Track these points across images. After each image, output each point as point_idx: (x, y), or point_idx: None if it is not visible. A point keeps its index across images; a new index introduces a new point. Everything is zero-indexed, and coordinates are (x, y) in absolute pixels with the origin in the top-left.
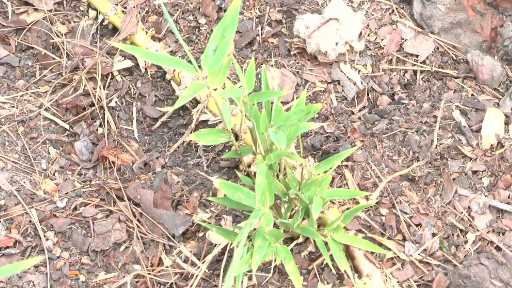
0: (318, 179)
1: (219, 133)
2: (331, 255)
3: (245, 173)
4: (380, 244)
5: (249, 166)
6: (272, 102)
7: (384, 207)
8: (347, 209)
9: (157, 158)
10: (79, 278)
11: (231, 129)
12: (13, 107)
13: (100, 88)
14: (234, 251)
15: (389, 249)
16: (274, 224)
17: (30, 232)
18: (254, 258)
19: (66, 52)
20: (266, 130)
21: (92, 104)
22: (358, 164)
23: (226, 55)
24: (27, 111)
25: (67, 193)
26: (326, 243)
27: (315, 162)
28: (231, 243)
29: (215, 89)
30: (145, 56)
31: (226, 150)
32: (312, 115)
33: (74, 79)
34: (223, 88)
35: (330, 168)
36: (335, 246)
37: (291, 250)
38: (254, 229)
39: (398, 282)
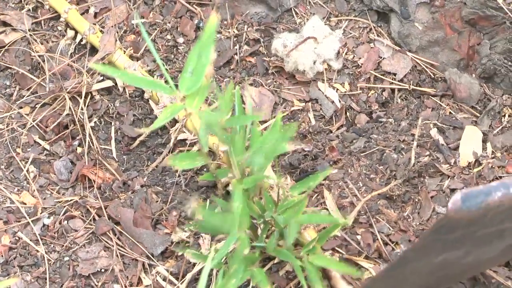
0: (294, 201)
1: (195, 156)
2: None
3: (224, 192)
4: (357, 264)
5: (226, 186)
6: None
7: (361, 227)
8: (324, 228)
9: (135, 177)
10: None
11: (210, 148)
12: None
13: (81, 108)
14: (203, 271)
15: (366, 269)
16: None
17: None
18: (230, 282)
19: (46, 71)
20: (242, 154)
21: (72, 124)
22: (335, 182)
23: (203, 77)
24: (7, 131)
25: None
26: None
27: (292, 180)
28: None
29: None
30: (124, 77)
31: (204, 169)
32: (287, 140)
33: (55, 99)
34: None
35: (305, 191)
36: (311, 268)
37: (270, 268)
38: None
39: None
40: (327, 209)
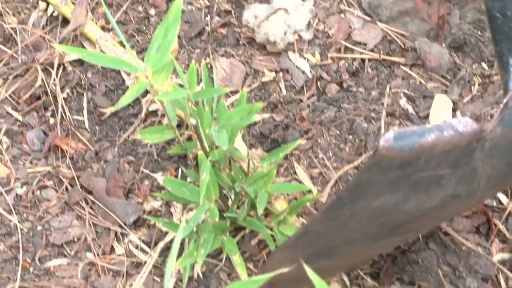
0: (263, 172)
1: (165, 130)
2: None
3: (195, 163)
4: None
5: (197, 156)
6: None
7: (331, 197)
8: (295, 198)
9: (108, 147)
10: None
11: (180, 117)
12: None
13: (53, 79)
14: (174, 242)
15: None
16: (222, 216)
17: None
18: (199, 252)
19: (18, 43)
20: (210, 127)
21: (45, 95)
22: (304, 152)
23: (169, 54)
24: None
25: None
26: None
27: (262, 151)
28: None
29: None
30: (89, 57)
31: (176, 139)
32: (254, 114)
33: (27, 70)
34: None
35: (274, 162)
36: (282, 238)
37: (242, 237)
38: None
39: (345, 272)
40: (297, 180)
